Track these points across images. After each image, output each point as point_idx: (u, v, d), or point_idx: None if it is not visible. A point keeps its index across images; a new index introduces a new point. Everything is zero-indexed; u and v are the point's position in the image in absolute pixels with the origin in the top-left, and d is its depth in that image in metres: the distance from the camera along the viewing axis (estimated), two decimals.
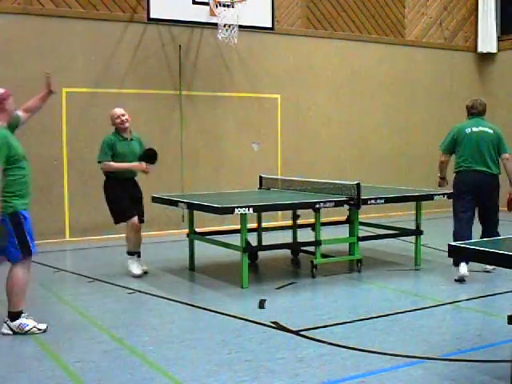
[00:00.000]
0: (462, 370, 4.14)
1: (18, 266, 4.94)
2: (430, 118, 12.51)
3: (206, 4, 9.54)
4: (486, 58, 13.11)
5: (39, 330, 4.98)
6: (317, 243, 6.83)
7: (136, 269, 6.92)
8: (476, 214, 6.86)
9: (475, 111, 7.12)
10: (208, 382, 3.97)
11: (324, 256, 7.01)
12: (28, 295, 6.16)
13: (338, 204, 6.83)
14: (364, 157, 11.83)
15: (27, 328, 4.96)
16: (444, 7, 12.74)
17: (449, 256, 3.82)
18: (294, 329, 5.00)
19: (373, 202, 6.99)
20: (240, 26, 9.60)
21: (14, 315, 4.98)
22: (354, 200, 6.81)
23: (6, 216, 4.78)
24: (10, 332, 4.96)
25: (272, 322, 5.18)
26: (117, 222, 6.98)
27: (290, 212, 8.07)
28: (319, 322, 5.21)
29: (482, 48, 12.91)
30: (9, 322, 4.98)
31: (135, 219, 6.84)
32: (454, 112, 12.90)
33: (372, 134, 11.93)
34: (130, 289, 6.40)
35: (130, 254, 6.99)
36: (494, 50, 12.88)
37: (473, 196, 6.72)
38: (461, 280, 6.53)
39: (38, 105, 5.71)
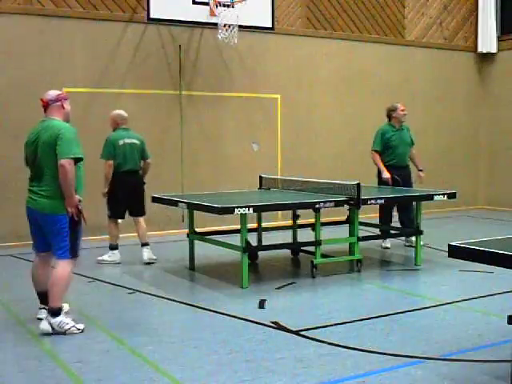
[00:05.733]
0: (461, 369, 4.14)
1: (63, 264, 4.99)
2: (430, 118, 12.51)
3: (206, 4, 9.54)
4: (486, 58, 13.11)
5: (78, 329, 4.97)
6: (317, 243, 6.83)
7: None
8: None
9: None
10: (208, 381, 3.97)
11: (324, 256, 7.01)
12: (28, 295, 6.17)
13: (338, 204, 6.83)
14: (364, 157, 11.79)
15: (67, 327, 4.93)
16: (444, 7, 12.74)
17: (449, 256, 3.82)
18: (293, 329, 5.00)
19: (373, 201, 6.99)
20: (240, 26, 9.60)
21: (55, 311, 4.94)
22: (354, 200, 6.81)
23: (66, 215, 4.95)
24: (50, 329, 4.93)
25: (272, 322, 5.18)
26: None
27: (290, 212, 8.07)
28: (319, 321, 5.21)
29: (482, 48, 12.91)
30: (50, 318, 4.94)
31: None
32: (454, 111, 12.94)
33: (372, 134, 11.86)
34: (130, 289, 6.40)
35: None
36: (494, 50, 12.88)
37: None
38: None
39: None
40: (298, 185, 8.03)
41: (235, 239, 6.79)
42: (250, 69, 10.68)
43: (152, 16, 9.30)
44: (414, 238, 7.86)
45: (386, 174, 8.52)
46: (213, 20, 9.59)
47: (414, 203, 7.93)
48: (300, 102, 11.21)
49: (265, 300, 5.91)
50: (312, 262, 6.87)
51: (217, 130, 10.47)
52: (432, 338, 4.81)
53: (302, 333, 4.90)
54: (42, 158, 4.98)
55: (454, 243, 3.80)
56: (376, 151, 8.69)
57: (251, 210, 6.21)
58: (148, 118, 9.81)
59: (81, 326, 5.01)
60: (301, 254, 7.93)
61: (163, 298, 6.07)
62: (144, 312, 5.61)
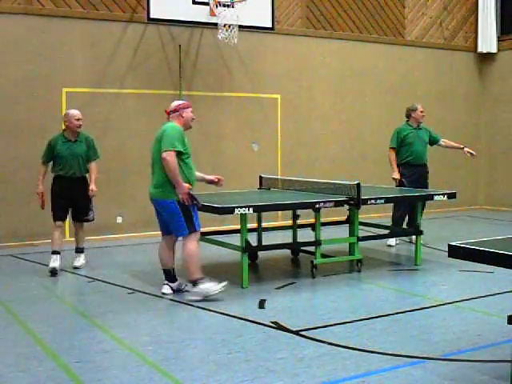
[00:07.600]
0: (461, 369, 4.14)
1: (187, 240, 5.79)
2: (430, 118, 12.47)
3: (206, 4, 9.53)
4: (486, 58, 13.11)
5: (219, 289, 5.84)
6: (317, 243, 6.83)
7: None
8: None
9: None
10: (208, 382, 3.97)
11: (324, 256, 7.01)
12: (28, 295, 6.17)
13: (338, 204, 6.83)
14: (364, 157, 11.82)
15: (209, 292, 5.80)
16: (444, 7, 12.74)
17: (449, 256, 3.82)
18: (293, 329, 5.00)
19: (373, 201, 6.99)
20: (240, 26, 9.59)
21: (195, 282, 5.79)
22: (354, 200, 6.81)
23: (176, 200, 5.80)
24: (170, 291, 5.96)
25: (272, 322, 5.18)
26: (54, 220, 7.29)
27: (290, 212, 8.07)
28: (319, 322, 5.21)
29: (482, 48, 12.91)
30: (192, 289, 5.80)
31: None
32: (454, 112, 12.94)
33: (372, 133, 11.93)
34: (130, 289, 6.40)
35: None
36: (494, 50, 12.88)
37: None
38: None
39: None
40: (298, 185, 8.02)
41: (235, 239, 6.79)
42: (250, 69, 10.68)
43: (152, 16, 9.29)
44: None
45: (395, 175, 8.74)
46: (213, 20, 9.58)
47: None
48: (300, 102, 11.21)
49: (265, 300, 5.91)
50: (312, 261, 6.87)
51: (217, 129, 10.47)
52: (432, 338, 4.81)
53: (302, 333, 4.90)
54: (154, 153, 5.93)
55: (453, 243, 3.80)
56: (392, 148, 8.89)
57: (251, 209, 6.22)
58: (148, 118, 9.80)
59: (218, 286, 5.86)
60: (301, 254, 7.93)
61: (163, 298, 6.06)
62: (144, 312, 5.60)
